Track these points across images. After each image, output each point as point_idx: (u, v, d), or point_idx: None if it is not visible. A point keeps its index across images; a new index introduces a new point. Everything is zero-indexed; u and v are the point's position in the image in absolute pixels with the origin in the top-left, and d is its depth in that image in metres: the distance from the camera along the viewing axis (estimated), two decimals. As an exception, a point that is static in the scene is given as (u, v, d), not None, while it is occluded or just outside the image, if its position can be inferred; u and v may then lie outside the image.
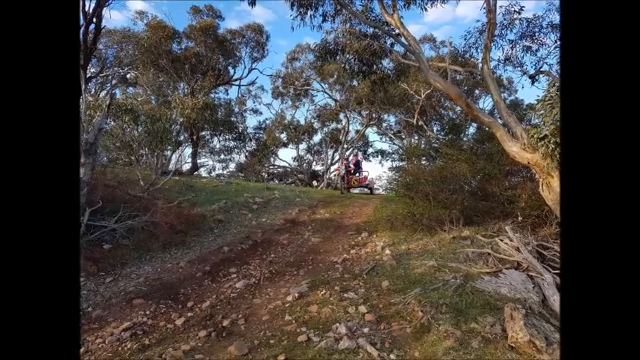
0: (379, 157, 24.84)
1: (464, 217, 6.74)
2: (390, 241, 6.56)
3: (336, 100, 22.94)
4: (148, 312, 4.04)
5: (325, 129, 24.48)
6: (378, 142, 25.52)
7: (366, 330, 3.36)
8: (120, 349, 3.31)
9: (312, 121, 23.97)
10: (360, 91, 19.30)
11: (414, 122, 19.97)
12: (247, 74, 20.29)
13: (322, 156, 24.25)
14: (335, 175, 14.39)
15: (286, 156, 62.42)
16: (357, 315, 3.68)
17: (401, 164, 17.89)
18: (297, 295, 4.23)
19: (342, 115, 23.48)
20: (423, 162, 13.88)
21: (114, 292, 4.62)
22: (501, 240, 5.23)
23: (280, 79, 22.87)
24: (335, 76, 20.64)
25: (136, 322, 3.80)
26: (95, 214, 6.04)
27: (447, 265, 4.92)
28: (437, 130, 20.57)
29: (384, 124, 23.97)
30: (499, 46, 8.10)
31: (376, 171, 27.63)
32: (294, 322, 3.63)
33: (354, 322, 3.51)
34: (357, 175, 14.24)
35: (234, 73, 19.82)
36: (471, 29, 8.05)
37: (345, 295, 4.19)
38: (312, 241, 6.84)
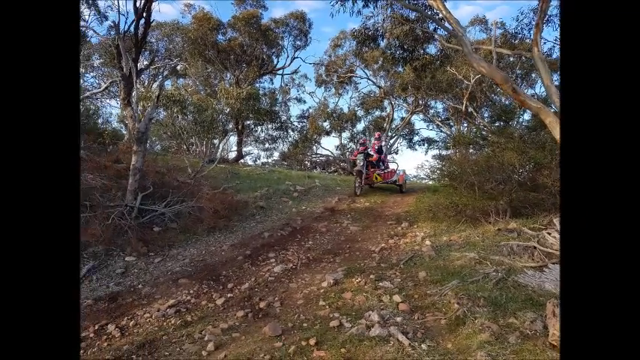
0: (425, 145, 24.18)
1: (511, 209, 6.41)
2: (430, 231, 6.41)
3: (380, 87, 22.49)
4: (191, 291, 4.30)
5: (369, 117, 24.16)
6: (425, 130, 24.70)
7: (398, 319, 3.34)
8: (165, 324, 3.56)
9: (356, 109, 23.73)
10: (405, 77, 18.77)
11: (463, 109, 19.13)
12: (290, 63, 20.38)
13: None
14: (352, 166, 10.67)
15: (329, 144, 62.35)
16: (391, 304, 3.66)
17: (446, 153, 17.25)
18: (332, 281, 4.29)
19: (386, 103, 23.03)
20: (471, 150, 12.96)
21: (162, 271, 4.97)
22: (549, 233, 4.92)
23: (323, 67, 22.80)
24: (380, 63, 20.20)
25: (180, 300, 4.07)
26: (146, 198, 6.48)
27: (489, 257, 4.73)
28: (487, 117, 19.54)
29: (431, 111, 23.19)
30: (556, 26, 7.51)
31: (419, 160, 26.63)
32: (327, 307, 3.69)
33: (387, 311, 3.50)
34: (382, 167, 10.65)
35: (278, 62, 20.01)
36: (524, 9, 7.54)
37: (380, 283, 4.18)
38: (351, 230, 6.85)
